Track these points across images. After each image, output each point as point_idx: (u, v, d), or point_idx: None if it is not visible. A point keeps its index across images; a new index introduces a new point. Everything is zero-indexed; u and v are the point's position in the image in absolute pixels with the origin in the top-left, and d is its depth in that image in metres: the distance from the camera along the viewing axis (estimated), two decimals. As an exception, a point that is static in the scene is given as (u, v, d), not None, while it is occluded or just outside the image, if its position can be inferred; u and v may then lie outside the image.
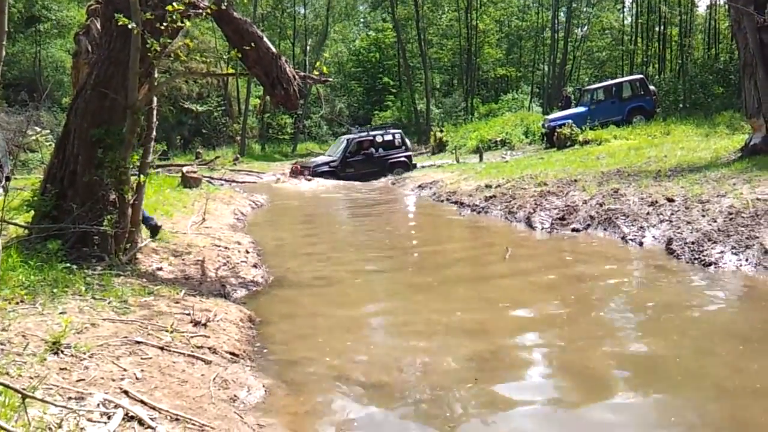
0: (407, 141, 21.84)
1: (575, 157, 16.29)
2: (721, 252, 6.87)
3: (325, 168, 20.36)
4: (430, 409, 3.89)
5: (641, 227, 8.46)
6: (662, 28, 38.16)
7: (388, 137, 20.94)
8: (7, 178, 7.92)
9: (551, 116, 23.70)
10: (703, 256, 6.90)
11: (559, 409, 3.95)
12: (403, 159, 20.66)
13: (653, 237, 8.13)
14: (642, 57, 39.62)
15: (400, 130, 22.11)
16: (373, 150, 20.42)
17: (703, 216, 7.95)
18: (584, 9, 43.43)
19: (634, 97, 23.17)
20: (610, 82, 25.69)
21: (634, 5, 40.40)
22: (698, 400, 3.92)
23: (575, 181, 11.84)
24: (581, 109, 23.03)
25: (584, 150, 18.36)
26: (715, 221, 7.64)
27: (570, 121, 21.77)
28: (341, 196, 17.14)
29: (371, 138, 20.54)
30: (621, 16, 44.53)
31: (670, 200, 8.92)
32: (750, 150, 11.34)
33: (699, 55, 37.01)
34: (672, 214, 8.46)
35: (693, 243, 7.29)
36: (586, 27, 45.28)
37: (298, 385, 4.28)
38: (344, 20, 49.66)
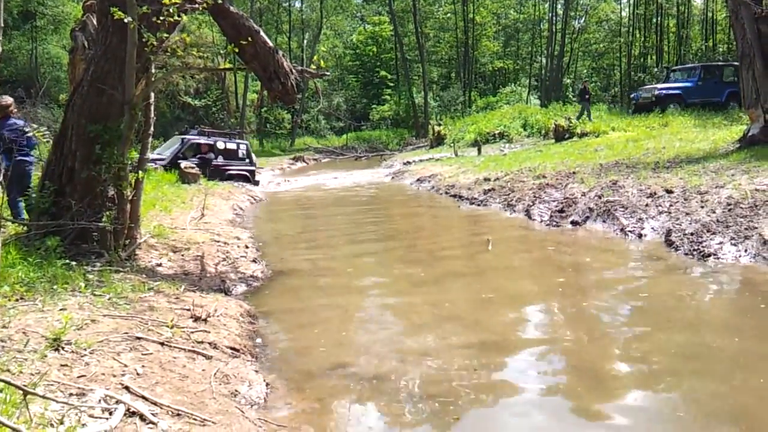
0: (253, 155, 19.30)
1: (573, 150, 16.28)
2: (720, 243, 6.88)
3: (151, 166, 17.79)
4: (431, 400, 3.90)
5: (640, 219, 8.47)
6: (660, 19, 38.11)
7: (232, 146, 18.54)
8: (5, 176, 7.88)
9: (660, 85, 23.57)
10: (702, 247, 6.91)
11: (557, 396, 3.99)
12: (243, 173, 18.14)
13: (652, 228, 8.14)
14: (639, 48, 39.59)
15: (246, 142, 19.71)
16: (212, 156, 17.83)
17: (702, 207, 7.96)
18: (581, 1, 43.34)
19: (733, 83, 22.32)
20: (717, 63, 25.32)
21: (632, -4, 40.35)
22: (696, 395, 3.92)
23: (574, 173, 11.84)
24: (688, 83, 22.61)
25: (582, 142, 18.36)
26: (714, 212, 7.65)
27: (679, 92, 21.84)
28: (339, 190, 17.13)
29: (212, 143, 17.93)
30: (618, 7, 44.48)
31: (669, 192, 8.93)
32: (748, 141, 11.35)
33: (697, 47, 37.01)
34: (671, 205, 8.46)
35: (692, 234, 7.30)
36: (583, 19, 45.19)
37: (299, 378, 4.29)
38: (339, 13, 49.54)
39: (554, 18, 42.28)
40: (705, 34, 38.06)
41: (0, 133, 7.54)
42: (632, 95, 25.04)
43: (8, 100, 7.86)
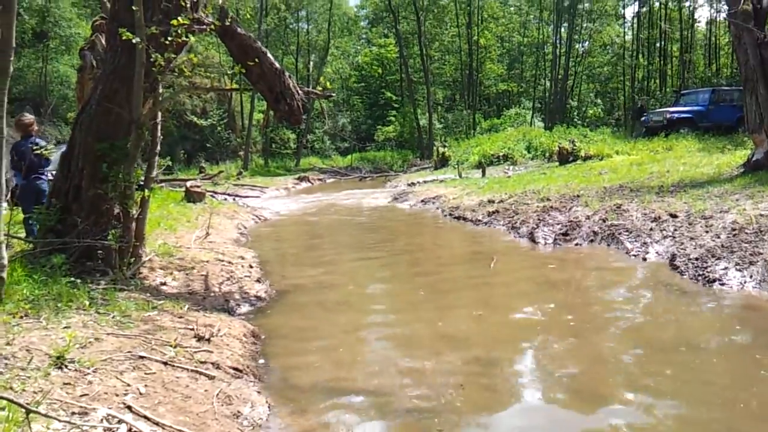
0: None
1: (578, 173, 16.31)
2: (725, 268, 6.85)
3: None
4: (426, 417, 3.95)
5: (644, 243, 8.45)
6: (663, 43, 38.38)
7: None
8: (12, 192, 7.94)
9: (671, 108, 23.45)
10: (707, 272, 6.88)
11: (543, 413, 4.08)
12: None
13: (656, 253, 8.12)
14: (643, 72, 39.80)
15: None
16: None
17: (707, 232, 7.94)
18: (585, 24, 43.68)
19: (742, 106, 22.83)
20: (728, 87, 25.10)
21: (635, 20, 40.66)
22: (688, 417, 3.89)
23: (578, 196, 11.85)
24: (699, 107, 22.46)
25: (586, 165, 18.39)
26: (719, 237, 7.63)
27: (690, 115, 21.82)
28: (343, 210, 17.15)
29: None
30: (622, 31, 44.82)
31: (673, 216, 8.92)
32: (752, 165, 11.35)
33: (700, 71, 37.21)
34: (675, 229, 8.45)
35: (697, 259, 7.27)
36: (587, 42, 45.50)
37: (301, 399, 4.28)
38: (346, 35, 50.05)
39: (558, 42, 42.61)
40: (708, 59, 38.30)
41: (21, 151, 7.63)
42: (642, 118, 25.08)
43: (30, 118, 7.94)
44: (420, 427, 3.85)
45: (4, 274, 4.81)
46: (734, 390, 4.23)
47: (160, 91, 7.24)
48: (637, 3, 40.14)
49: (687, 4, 38.46)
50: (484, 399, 4.26)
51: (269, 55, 7.65)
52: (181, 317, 5.42)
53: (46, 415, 3.04)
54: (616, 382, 4.45)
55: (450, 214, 14.02)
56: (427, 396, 4.27)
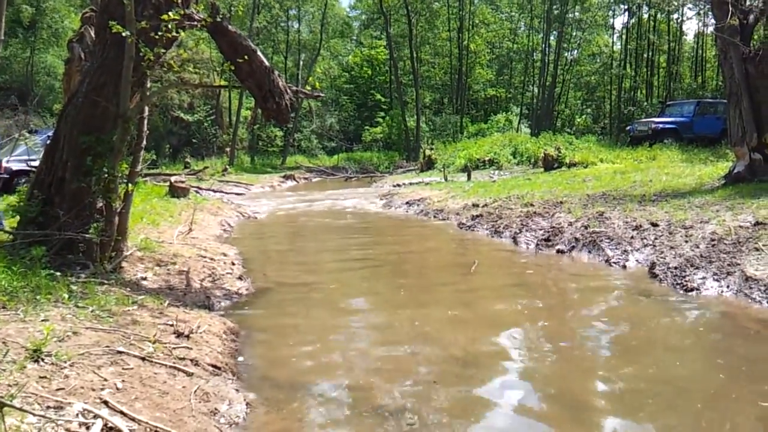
0: None
1: (562, 179, 16.41)
2: (703, 278, 6.95)
3: None
4: (401, 413, 4.01)
5: (625, 251, 8.54)
6: (650, 54, 38.73)
7: None
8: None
9: (656, 119, 23.74)
10: (686, 281, 6.97)
11: (510, 411, 4.14)
12: None
13: (637, 261, 8.21)
14: (630, 82, 40.13)
15: None
16: None
17: (686, 241, 8.04)
18: (575, 33, 43.99)
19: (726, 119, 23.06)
20: (712, 99, 25.34)
21: (624, 31, 40.99)
22: (660, 425, 3.95)
23: (561, 203, 11.94)
24: (684, 118, 22.76)
25: (571, 172, 18.50)
26: (698, 247, 7.73)
27: (675, 126, 22.08)
28: (328, 210, 17.15)
29: None
30: (611, 41, 45.19)
31: (654, 225, 9.02)
32: (733, 177, 11.50)
33: (686, 83, 37.61)
34: (656, 238, 8.55)
35: (676, 268, 7.37)
36: (576, 51, 45.82)
37: (279, 397, 4.29)
38: (338, 37, 50.02)
39: (547, 49, 42.85)
40: (695, 71, 38.75)
41: None
42: (628, 128, 25.36)
43: None
44: (395, 424, 3.88)
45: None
46: (695, 391, 4.34)
47: (148, 85, 7.20)
48: (626, 14, 40.49)
49: (675, 17, 38.91)
50: (457, 395, 4.33)
51: (259, 53, 7.64)
52: (160, 312, 5.39)
53: (20, 409, 3.02)
54: (587, 384, 4.54)
55: (435, 217, 14.07)
56: (404, 393, 4.33)
